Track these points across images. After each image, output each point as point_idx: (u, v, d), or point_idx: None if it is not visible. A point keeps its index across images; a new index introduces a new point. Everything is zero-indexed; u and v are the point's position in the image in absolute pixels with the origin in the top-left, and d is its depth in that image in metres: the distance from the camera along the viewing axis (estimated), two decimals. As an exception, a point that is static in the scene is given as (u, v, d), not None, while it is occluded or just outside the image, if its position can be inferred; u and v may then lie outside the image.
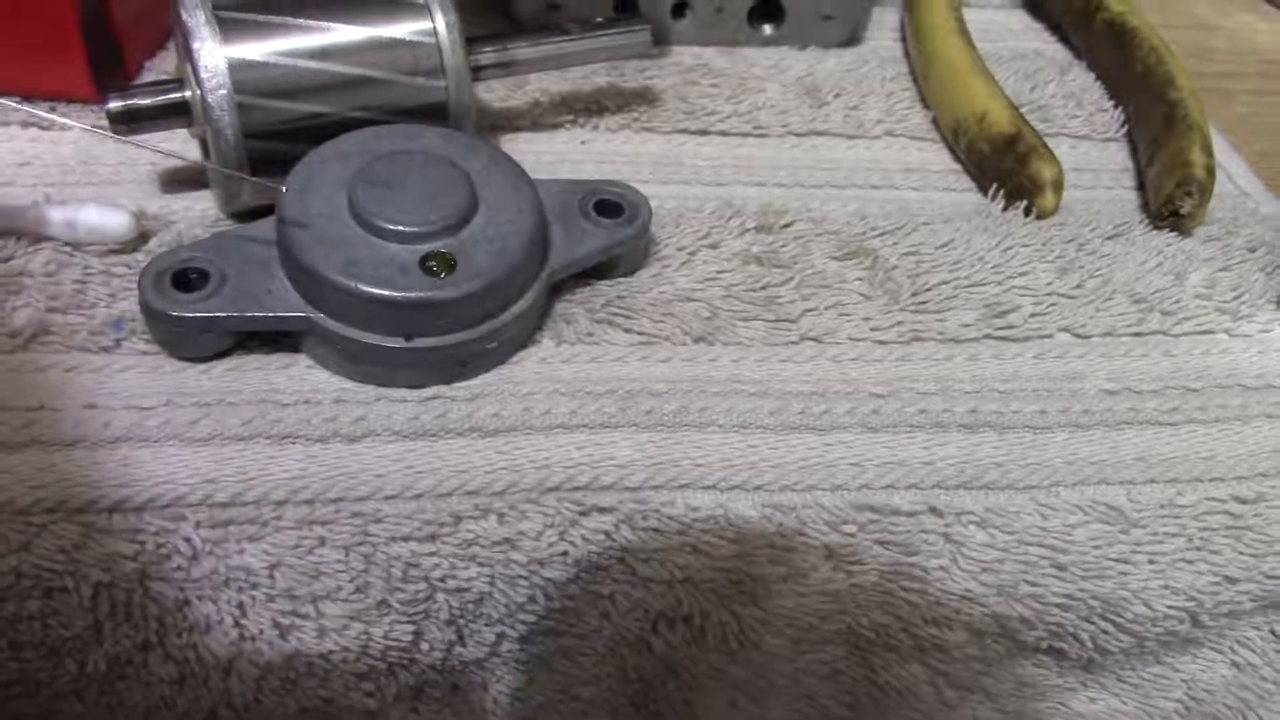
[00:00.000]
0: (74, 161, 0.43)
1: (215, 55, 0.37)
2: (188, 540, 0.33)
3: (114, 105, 0.39)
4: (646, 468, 0.35)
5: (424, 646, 0.36)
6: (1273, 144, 0.54)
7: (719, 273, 0.41)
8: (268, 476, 0.34)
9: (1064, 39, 0.58)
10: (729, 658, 0.37)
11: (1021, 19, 0.60)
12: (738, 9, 0.53)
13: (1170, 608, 0.37)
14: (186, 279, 0.35)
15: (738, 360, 0.38)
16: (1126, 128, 0.51)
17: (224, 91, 0.37)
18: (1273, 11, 0.66)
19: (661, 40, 0.53)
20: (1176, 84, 0.49)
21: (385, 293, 0.34)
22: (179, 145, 0.41)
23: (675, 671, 0.38)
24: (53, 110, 0.45)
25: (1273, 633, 0.40)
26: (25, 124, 0.44)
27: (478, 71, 0.42)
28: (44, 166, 0.43)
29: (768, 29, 0.54)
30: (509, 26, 0.52)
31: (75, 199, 0.41)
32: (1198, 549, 0.37)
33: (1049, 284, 0.42)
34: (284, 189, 0.36)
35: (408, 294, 0.34)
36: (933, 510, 0.36)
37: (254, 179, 0.38)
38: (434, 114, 0.40)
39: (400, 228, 0.35)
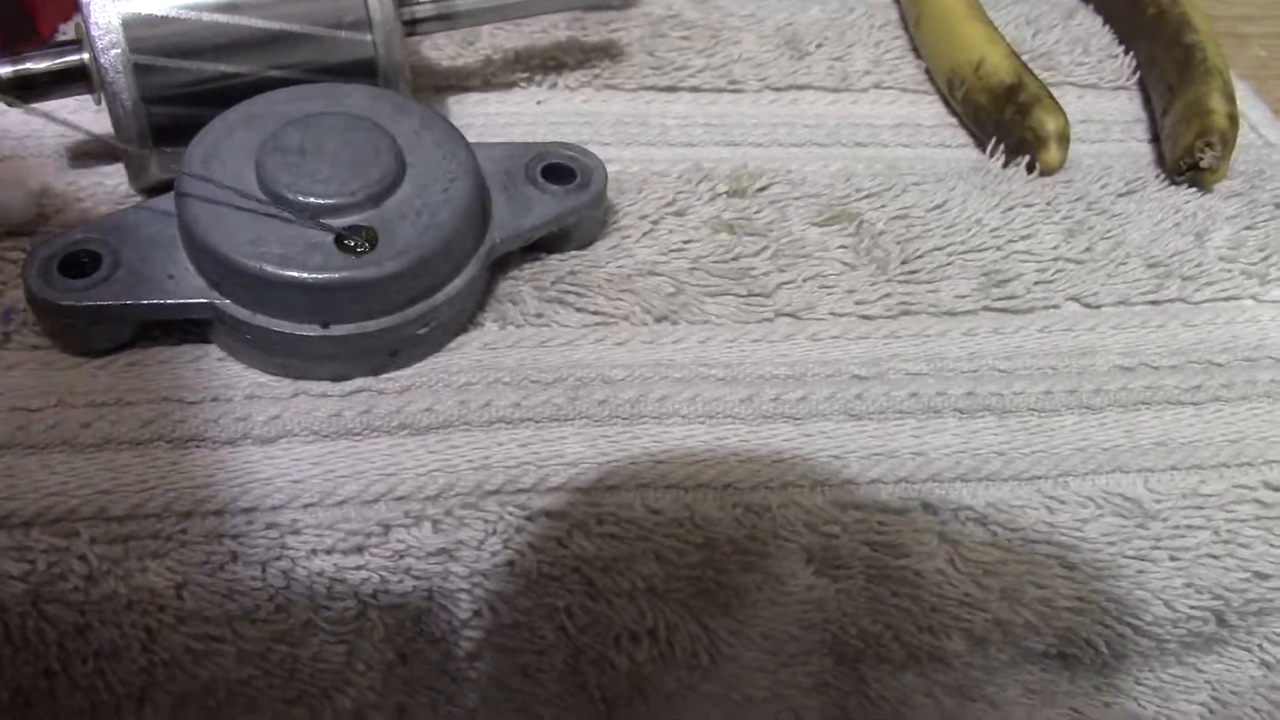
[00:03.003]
0: (-25, 136, 0.39)
1: (107, 10, 0.33)
2: (82, 558, 0.30)
3: (3, 71, 0.35)
4: (600, 466, 0.31)
5: (359, 667, 0.32)
6: (1296, 90, 0.50)
7: (685, 243, 0.37)
8: (170, 485, 0.30)
9: (1068, -21, 0.54)
10: (701, 673, 0.34)
11: (1022, -40, 0.56)
12: (711, -46, 0.49)
13: (1194, 608, 0.34)
14: (78, 263, 0.32)
15: (705, 341, 0.35)
16: (1138, 75, 0.47)
17: (118, 51, 0.33)
18: (1292, -51, 0.61)
19: (629, -10, 0.49)
20: (1193, 25, 0.44)
21: (294, 274, 0.30)
22: (90, 116, 0.38)
23: (643, 690, 0.34)
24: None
25: (1306, 629, 0.37)
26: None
27: (414, 25, 0.38)
28: (-59, 142, 0.39)
29: (745, -25, 0.50)
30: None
31: (-30, 176, 0.37)
32: (1224, 542, 0.33)
33: (1055, 248, 0.38)
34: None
35: (319, 275, 0.30)
36: (926, 507, 0.32)
37: (134, 150, 0.34)
38: (362, 72, 0.36)
39: (313, 199, 0.31)
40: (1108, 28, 0.50)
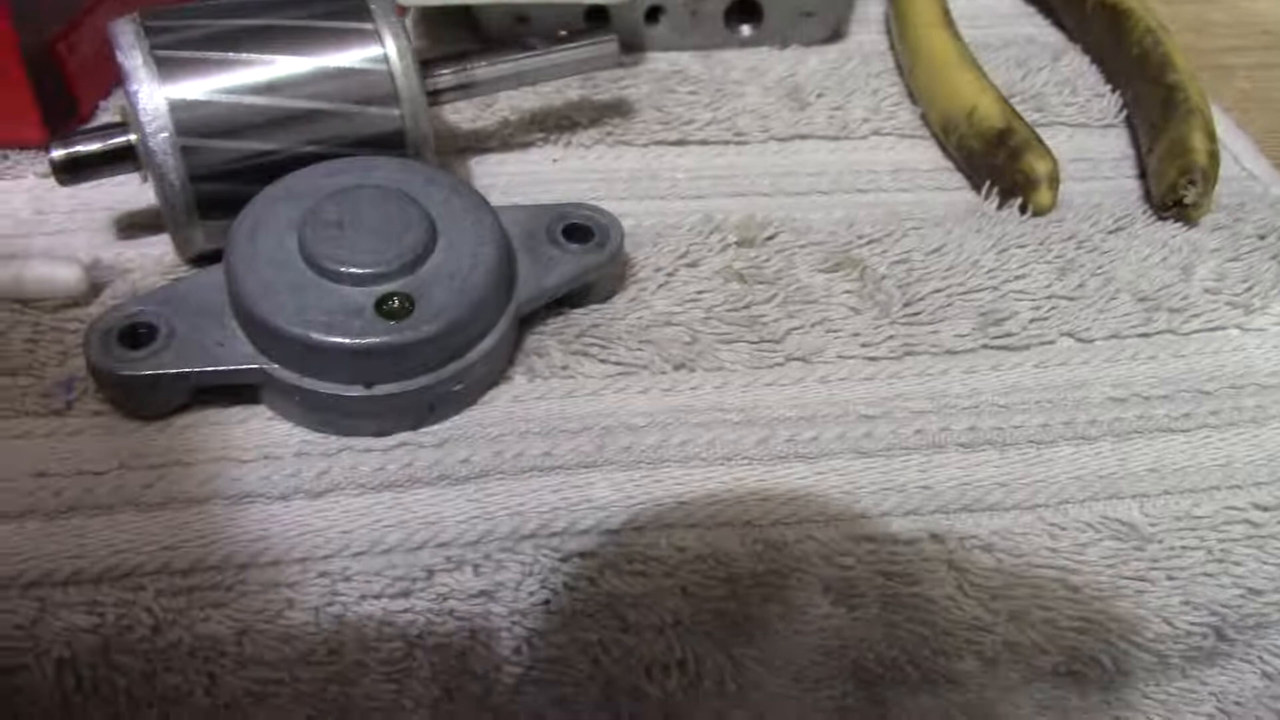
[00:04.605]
0: (27, 212, 0.42)
1: (154, 97, 0.35)
2: (148, 610, 0.31)
3: (56, 154, 0.37)
4: (627, 508, 0.33)
5: (408, 704, 0.34)
6: (1278, 119, 0.52)
7: (699, 293, 0.39)
8: (228, 539, 0.32)
9: (1057, 22, 0.56)
10: (729, 701, 0.35)
11: (1012, 3, 0.58)
12: (714, 10, 0.51)
13: (1193, 624, 0.36)
14: (135, 335, 0.34)
15: (720, 387, 0.36)
16: (1125, 113, 0.49)
17: (166, 134, 0.35)
18: (1274, -20, 0.63)
19: (636, 47, 0.51)
20: (1175, 66, 0.46)
21: (339, 340, 0.32)
22: (134, 190, 0.40)
23: (674, 717, 0.36)
24: (4, 159, 0.44)
25: (1305, 640, 0.38)
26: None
27: (436, 95, 0.40)
28: (-5, 219, 0.41)
29: (746, 30, 0.52)
30: (477, 44, 0.50)
31: (26, 252, 0.39)
32: (1219, 561, 0.35)
33: (1048, 286, 0.40)
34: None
35: (363, 340, 0.32)
36: (934, 537, 0.34)
37: (190, 223, 0.36)
38: (391, 143, 0.38)
39: (353, 269, 0.33)
40: (1095, 67, 0.52)
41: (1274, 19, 0.60)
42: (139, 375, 0.33)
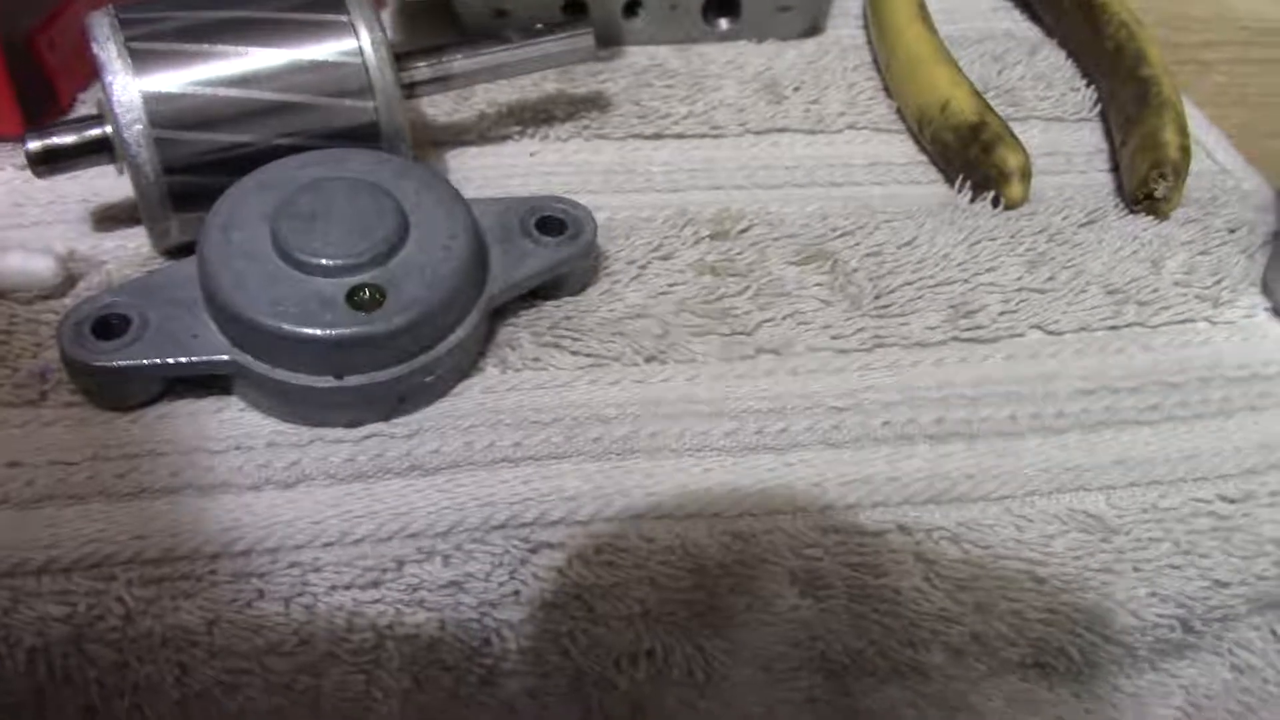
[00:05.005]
0: (4, 204, 0.42)
1: (129, 89, 0.36)
2: (120, 600, 0.32)
3: (33, 145, 0.37)
4: (596, 499, 0.33)
5: (378, 695, 0.34)
6: (1253, 115, 0.52)
7: (671, 285, 0.39)
8: (199, 529, 0.32)
9: (1034, 17, 0.56)
10: (698, 691, 0.36)
11: (991, -4, 0.58)
12: (692, 4, 0.51)
13: (1159, 616, 0.36)
14: (108, 326, 0.34)
15: (691, 378, 0.37)
16: (1100, 107, 0.49)
17: (140, 126, 0.35)
18: (1253, -25, 0.63)
19: (614, 41, 0.52)
20: (1149, 60, 0.47)
21: (310, 331, 0.32)
22: (110, 182, 0.40)
23: (643, 708, 0.36)
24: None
25: (1273, 633, 0.39)
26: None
27: (412, 88, 0.41)
28: (-29, 212, 0.41)
29: (724, 23, 0.52)
30: (456, 36, 0.50)
31: (2, 244, 0.39)
32: (1185, 553, 0.35)
33: (1018, 279, 0.40)
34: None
35: (333, 331, 0.32)
36: (901, 528, 0.34)
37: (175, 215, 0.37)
38: (365, 136, 0.38)
39: (324, 261, 0.33)
40: (1071, 62, 0.52)
41: (1251, 15, 0.60)
42: (111, 366, 0.33)
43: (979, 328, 0.39)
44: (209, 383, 0.35)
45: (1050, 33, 0.54)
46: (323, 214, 0.34)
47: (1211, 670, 0.39)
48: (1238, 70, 0.56)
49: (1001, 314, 0.39)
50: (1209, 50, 0.57)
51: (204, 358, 0.34)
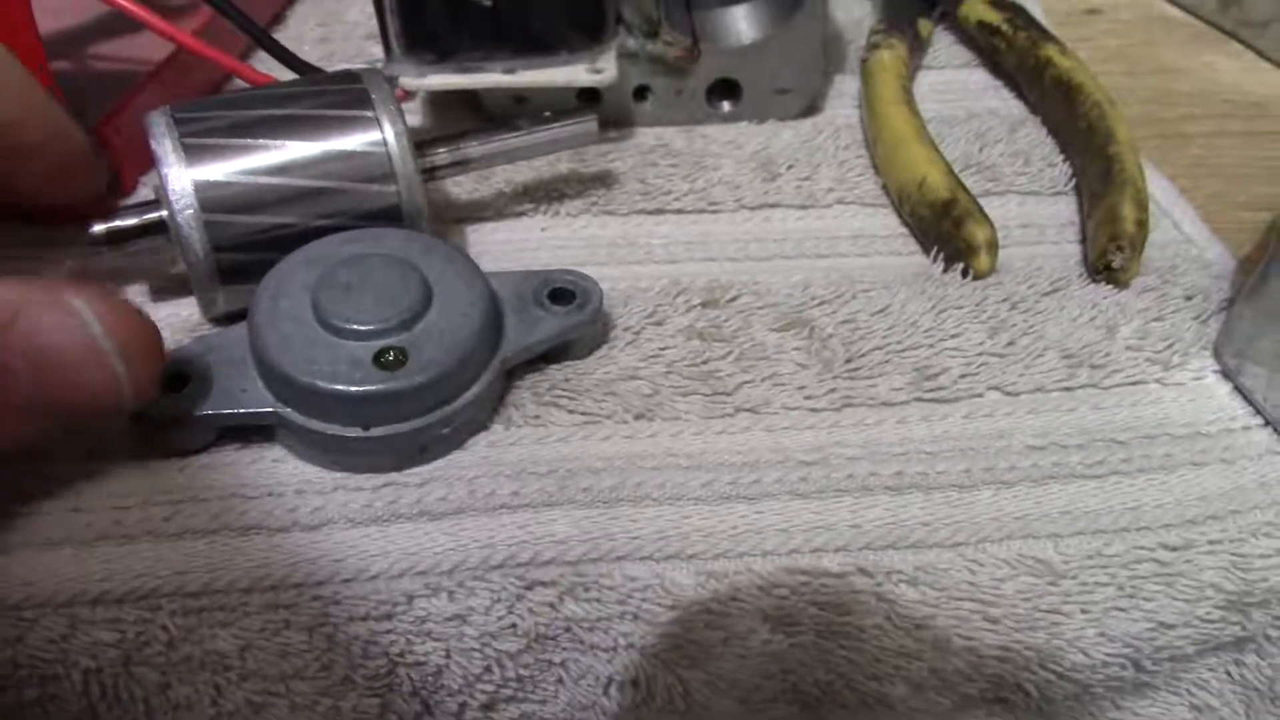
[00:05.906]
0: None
1: (182, 178, 0.40)
2: (164, 628, 0.35)
3: (97, 229, 0.42)
4: (584, 542, 0.37)
5: (391, 717, 0.38)
6: (1226, 186, 0.55)
7: (662, 349, 0.43)
8: (234, 566, 0.36)
9: (1021, 95, 0.59)
10: (679, 718, 0.39)
11: (981, 77, 0.61)
12: (696, 89, 0.55)
13: (1109, 655, 0.38)
14: (172, 380, 0.39)
15: (675, 435, 0.40)
16: (1074, 182, 0.52)
17: (191, 211, 0.40)
18: (1240, 49, 0.66)
19: (624, 123, 0.56)
20: (1116, 138, 0.50)
21: (339, 387, 0.37)
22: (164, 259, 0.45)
23: (632, 733, 0.40)
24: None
25: (1228, 674, 0.41)
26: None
27: (432, 172, 0.45)
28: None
29: (726, 106, 0.56)
30: (477, 122, 0.55)
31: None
32: (1129, 597, 0.38)
33: (980, 344, 0.43)
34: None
35: (359, 387, 0.37)
36: (862, 570, 0.37)
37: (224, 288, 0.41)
38: (389, 216, 0.43)
39: (355, 326, 0.38)
40: (1051, 139, 0.55)
41: (1234, 88, 0.63)
42: (175, 414, 0.38)
43: (941, 389, 0.42)
44: (252, 434, 0.39)
45: (1033, 110, 0.58)
46: (358, 285, 0.39)
47: (1171, 710, 0.41)
48: (1215, 142, 0.58)
49: (962, 376, 0.42)
50: (1190, 124, 0.60)
51: (252, 409, 0.38)
